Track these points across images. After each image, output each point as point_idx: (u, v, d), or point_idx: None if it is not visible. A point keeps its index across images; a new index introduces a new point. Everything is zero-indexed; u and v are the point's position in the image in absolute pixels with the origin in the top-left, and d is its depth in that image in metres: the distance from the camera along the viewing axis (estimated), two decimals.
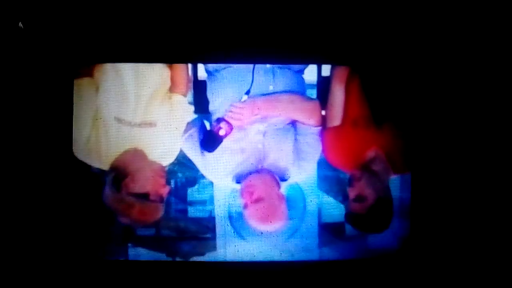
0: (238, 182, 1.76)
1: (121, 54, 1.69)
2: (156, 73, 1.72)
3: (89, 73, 1.70)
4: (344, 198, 1.77)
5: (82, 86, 1.69)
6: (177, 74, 1.76)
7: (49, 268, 1.68)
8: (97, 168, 1.72)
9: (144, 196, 1.68)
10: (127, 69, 1.69)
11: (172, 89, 1.76)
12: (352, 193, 1.73)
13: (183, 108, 1.77)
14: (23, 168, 1.66)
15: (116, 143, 1.72)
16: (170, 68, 1.74)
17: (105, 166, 1.72)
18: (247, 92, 1.76)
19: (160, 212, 1.73)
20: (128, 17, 1.66)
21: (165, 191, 1.73)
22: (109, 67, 1.70)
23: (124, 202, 1.67)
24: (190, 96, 1.78)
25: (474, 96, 1.70)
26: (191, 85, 1.78)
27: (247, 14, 1.66)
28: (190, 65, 1.77)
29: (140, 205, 1.68)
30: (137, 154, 1.73)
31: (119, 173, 1.69)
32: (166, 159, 1.75)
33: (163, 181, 1.73)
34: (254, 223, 1.73)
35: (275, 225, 1.74)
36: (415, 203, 1.73)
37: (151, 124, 1.73)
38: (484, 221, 1.71)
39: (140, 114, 1.72)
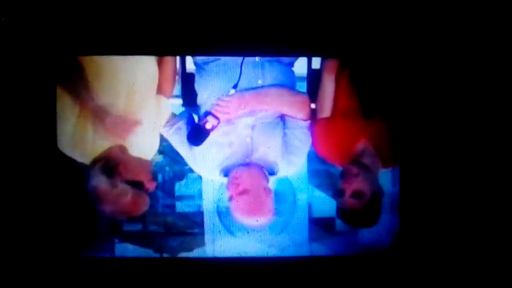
0: (226, 175, 1.74)
1: (110, 46, 1.66)
2: (146, 72, 1.71)
3: (79, 66, 1.66)
4: (337, 193, 1.73)
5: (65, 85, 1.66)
6: (164, 76, 1.74)
7: (34, 266, 1.64)
8: (83, 163, 1.68)
9: (138, 185, 1.67)
10: (119, 63, 1.67)
11: (158, 91, 1.74)
12: (349, 189, 1.70)
13: (168, 111, 1.76)
14: (6, 163, 1.63)
15: (102, 139, 1.69)
16: (159, 67, 1.72)
17: (89, 161, 1.69)
18: (235, 86, 1.74)
19: (148, 204, 1.70)
20: (117, 10, 1.64)
21: (152, 185, 1.71)
22: (101, 61, 1.67)
23: (117, 188, 1.64)
24: (177, 90, 1.76)
25: (463, 89, 1.69)
26: (179, 78, 1.76)
27: (237, 6, 1.65)
28: (178, 60, 1.75)
29: (133, 193, 1.66)
30: (122, 149, 1.71)
31: (109, 161, 1.66)
32: (148, 155, 1.74)
33: (149, 176, 1.71)
34: (239, 216, 1.70)
35: (260, 219, 1.70)
36: (404, 197, 1.71)
37: (137, 123, 1.71)
38: (475, 214, 1.69)
39: (130, 111, 1.70)
